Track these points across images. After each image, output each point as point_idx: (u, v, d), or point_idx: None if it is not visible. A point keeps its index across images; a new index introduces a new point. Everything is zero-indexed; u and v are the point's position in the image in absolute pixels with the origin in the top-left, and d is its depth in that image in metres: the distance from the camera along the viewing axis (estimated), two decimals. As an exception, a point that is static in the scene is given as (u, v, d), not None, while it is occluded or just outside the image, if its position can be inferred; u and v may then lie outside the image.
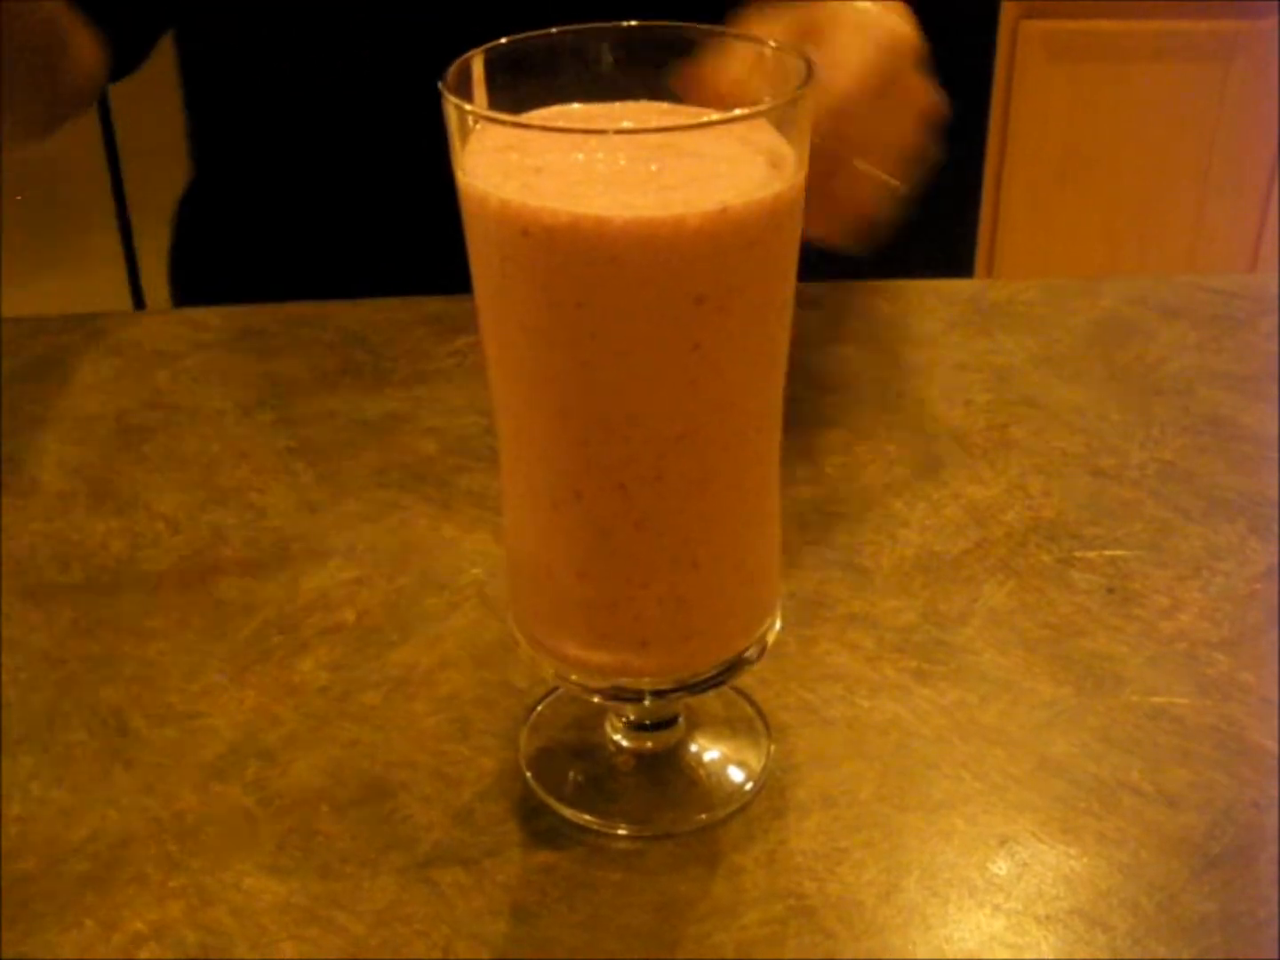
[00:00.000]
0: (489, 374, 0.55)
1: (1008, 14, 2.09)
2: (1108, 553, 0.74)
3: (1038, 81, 2.10)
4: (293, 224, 1.10)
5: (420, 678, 0.68)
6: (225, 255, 1.16)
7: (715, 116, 0.48)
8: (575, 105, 0.54)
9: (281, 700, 0.67)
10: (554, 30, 0.53)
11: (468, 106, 0.50)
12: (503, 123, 0.49)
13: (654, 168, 0.48)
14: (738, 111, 0.48)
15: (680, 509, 0.53)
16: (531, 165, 0.48)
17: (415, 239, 0.97)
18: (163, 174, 1.20)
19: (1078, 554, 0.74)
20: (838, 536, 0.75)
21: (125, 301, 2.36)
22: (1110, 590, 0.72)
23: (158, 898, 0.57)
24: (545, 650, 0.59)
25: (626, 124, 0.51)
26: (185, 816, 0.61)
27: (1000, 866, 0.57)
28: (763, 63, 0.53)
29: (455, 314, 0.94)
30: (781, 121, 0.50)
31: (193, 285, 1.21)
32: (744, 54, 0.54)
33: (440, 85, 0.50)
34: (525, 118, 0.52)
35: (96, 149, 2.25)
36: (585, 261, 0.47)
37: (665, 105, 0.54)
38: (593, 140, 0.49)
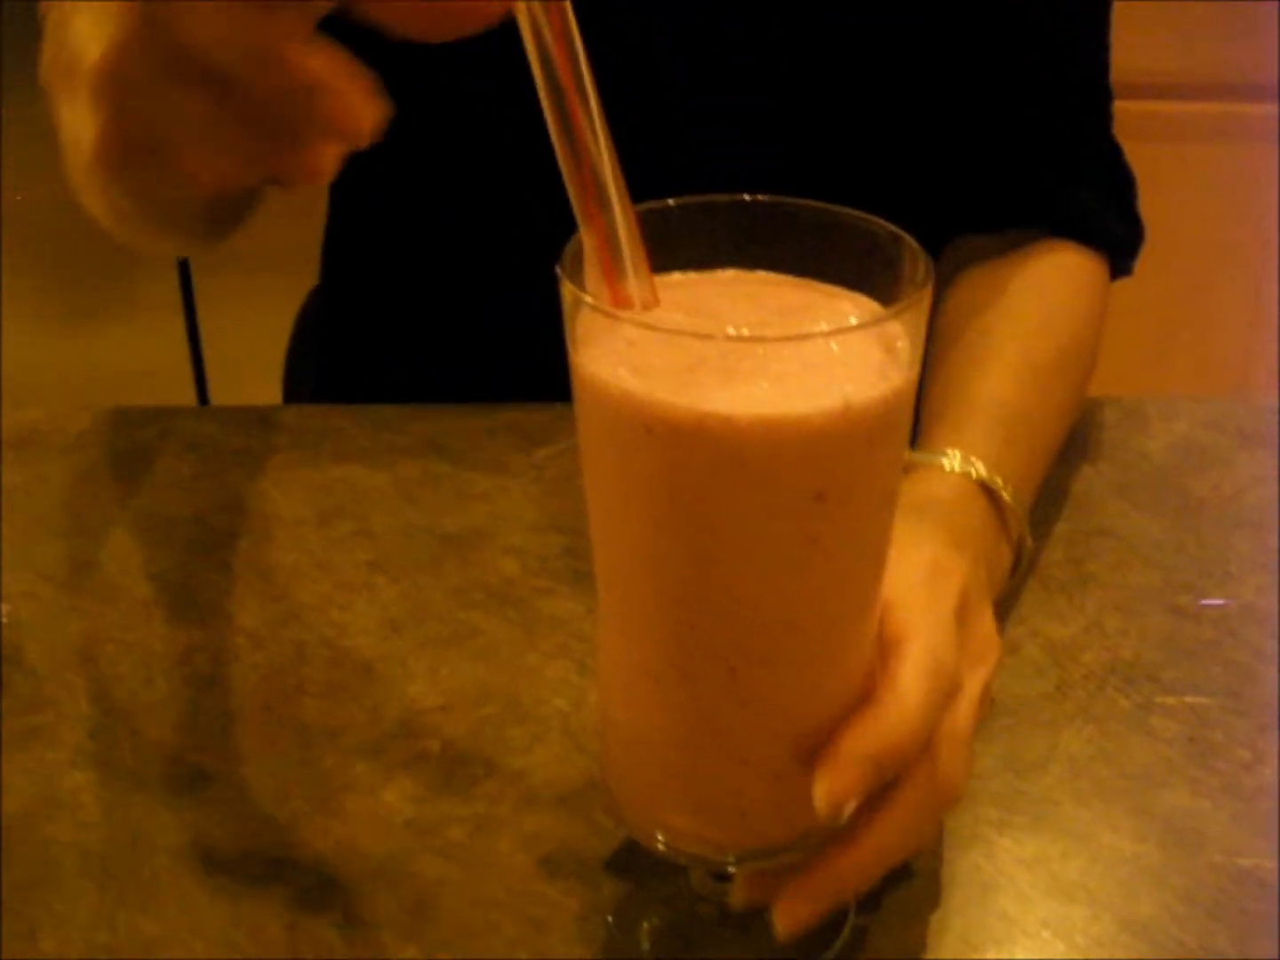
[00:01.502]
0: (595, 549, 0.56)
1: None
2: (1187, 699, 0.74)
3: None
4: (410, 334, 1.12)
5: (505, 814, 0.68)
6: (342, 358, 1.18)
7: (830, 327, 0.49)
8: (692, 275, 0.55)
9: (367, 832, 0.67)
10: (671, 202, 0.54)
11: (587, 299, 0.50)
12: (615, 317, 0.50)
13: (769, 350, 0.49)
14: (853, 320, 0.49)
15: (785, 689, 0.54)
16: (647, 352, 0.49)
17: (509, 347, 0.99)
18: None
19: (1157, 699, 0.75)
20: (917, 674, 0.76)
21: (183, 351, 2.37)
22: (1191, 740, 0.72)
23: (249, 1045, 0.58)
24: (637, 812, 0.59)
25: (743, 330, 0.51)
26: (272, 949, 0.62)
27: (1087, 1039, 0.58)
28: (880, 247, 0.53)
29: (533, 424, 0.95)
30: (900, 310, 0.51)
31: (305, 382, 1.24)
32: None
33: (557, 269, 0.51)
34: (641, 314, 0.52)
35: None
36: (709, 459, 0.48)
37: (782, 278, 0.54)
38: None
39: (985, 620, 0.67)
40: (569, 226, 0.51)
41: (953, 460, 0.76)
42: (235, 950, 0.62)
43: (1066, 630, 0.79)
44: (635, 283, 0.51)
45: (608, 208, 0.50)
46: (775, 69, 0.96)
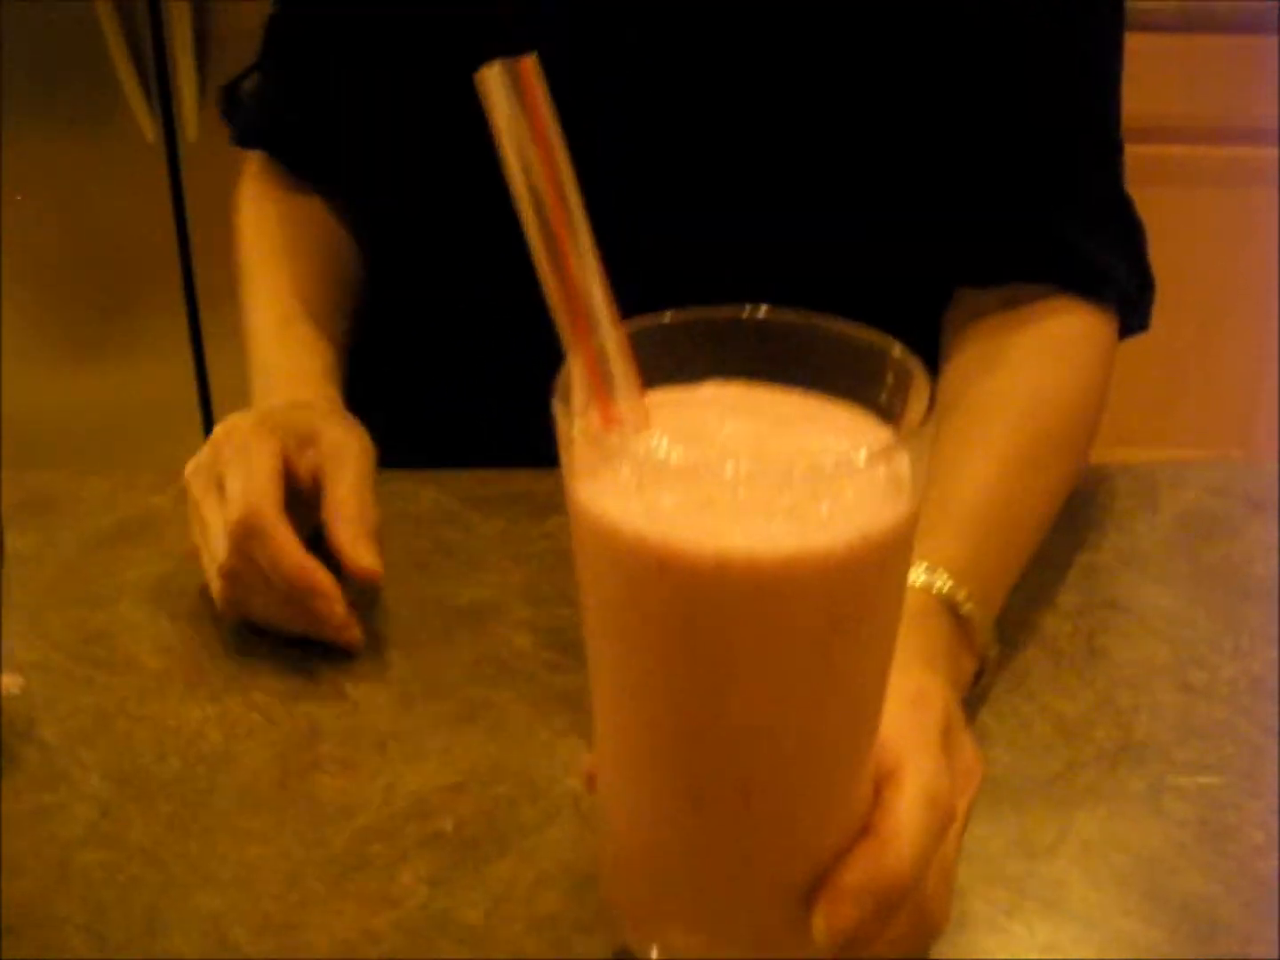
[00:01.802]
0: (594, 675, 0.55)
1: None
2: (1200, 780, 0.75)
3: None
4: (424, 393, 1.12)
5: (520, 895, 0.68)
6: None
7: (839, 459, 0.49)
8: (674, 392, 0.54)
9: (381, 914, 0.67)
10: (666, 316, 0.53)
11: (591, 431, 0.50)
12: (622, 452, 0.50)
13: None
14: (862, 454, 0.48)
15: (800, 809, 0.54)
16: (658, 488, 0.48)
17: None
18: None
19: (1169, 780, 0.75)
20: (929, 752, 0.76)
21: (190, 387, 2.37)
22: (1203, 823, 0.72)
23: None
24: (635, 923, 0.59)
25: (746, 454, 0.51)
26: (286, 1040, 0.62)
27: None
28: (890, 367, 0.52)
29: (544, 492, 0.95)
30: (909, 438, 0.50)
31: None
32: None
33: (553, 401, 0.50)
34: (647, 437, 0.52)
35: (168, 232, 2.27)
36: (728, 595, 0.47)
37: (767, 390, 0.54)
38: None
39: (966, 745, 0.67)
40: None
41: (918, 572, 0.75)
42: (250, 1038, 0.62)
43: (1076, 707, 0.79)
44: (626, 403, 0.51)
45: (598, 330, 0.50)
46: (772, 146, 0.96)
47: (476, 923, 0.67)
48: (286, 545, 0.80)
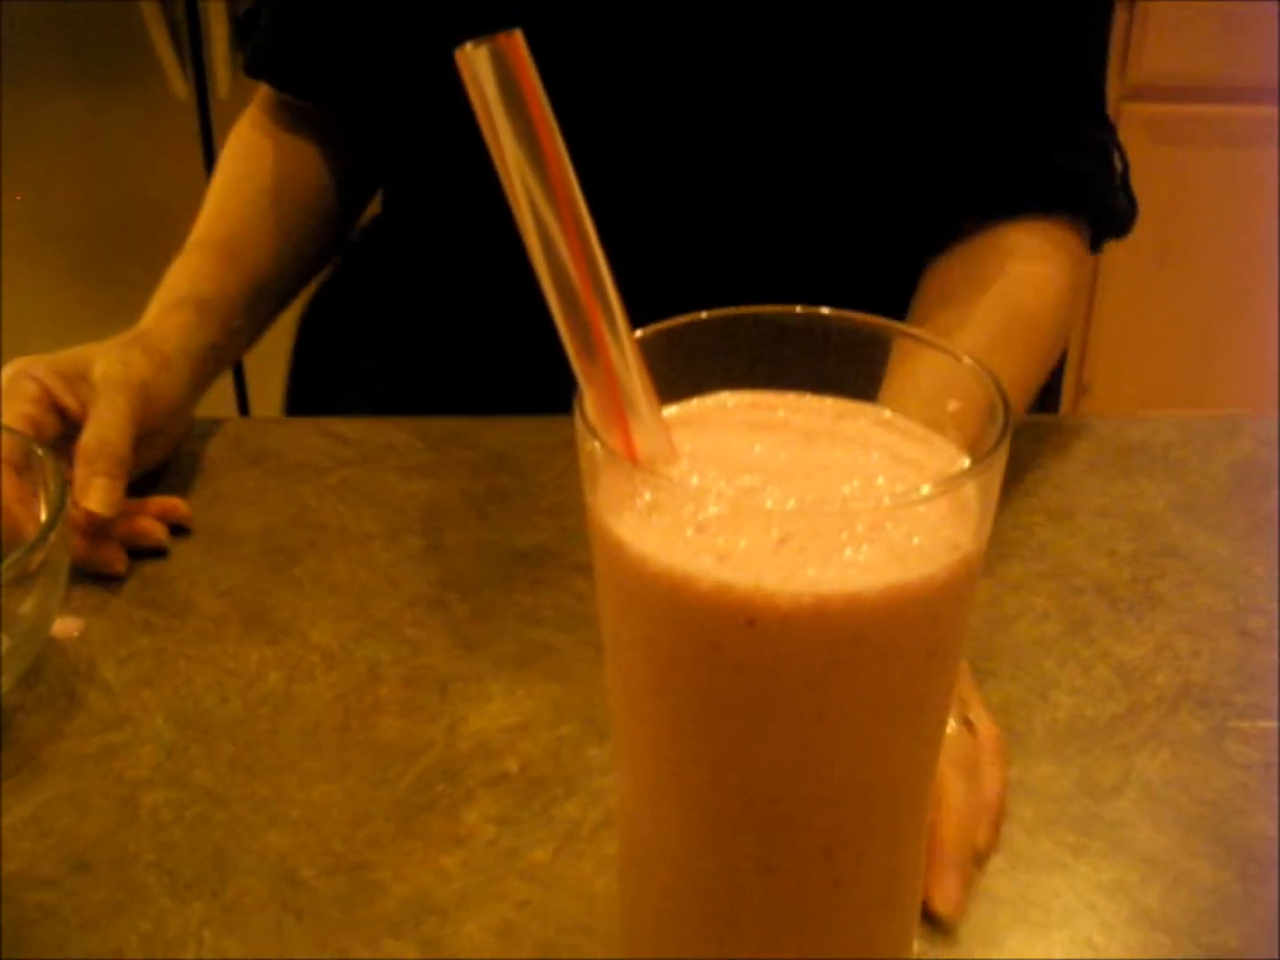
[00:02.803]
0: (632, 740, 0.50)
1: (1110, 97, 2.08)
2: (1262, 724, 0.75)
3: (1139, 164, 2.09)
4: (424, 333, 1.12)
5: (587, 834, 0.68)
6: (348, 363, 1.18)
7: (906, 495, 0.45)
8: (678, 408, 0.50)
9: (449, 853, 0.68)
10: (704, 315, 0.50)
11: (639, 476, 0.45)
12: (687, 493, 0.45)
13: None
14: (924, 490, 0.45)
15: (882, 858, 0.51)
16: (726, 532, 0.43)
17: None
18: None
19: (1231, 724, 0.75)
20: (991, 696, 0.76)
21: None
22: (1268, 766, 0.72)
23: (345, 1071, 0.58)
24: None
25: (828, 496, 0.46)
26: (359, 975, 0.62)
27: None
28: (959, 377, 0.49)
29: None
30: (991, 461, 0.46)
31: (308, 389, 1.23)
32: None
33: (578, 421, 0.45)
34: (691, 471, 0.46)
35: (200, 191, 2.26)
36: (825, 642, 0.43)
37: (825, 400, 0.50)
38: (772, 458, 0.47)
39: (983, 717, 0.71)
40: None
41: None
42: (323, 972, 0.62)
43: (1136, 652, 0.79)
44: (651, 435, 0.46)
45: (618, 348, 0.45)
46: (761, 82, 0.96)
47: (545, 860, 0.67)
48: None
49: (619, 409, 0.45)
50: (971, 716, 0.69)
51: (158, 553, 0.88)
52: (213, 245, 1.05)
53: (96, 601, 0.84)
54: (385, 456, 0.96)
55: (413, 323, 1.15)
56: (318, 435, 0.99)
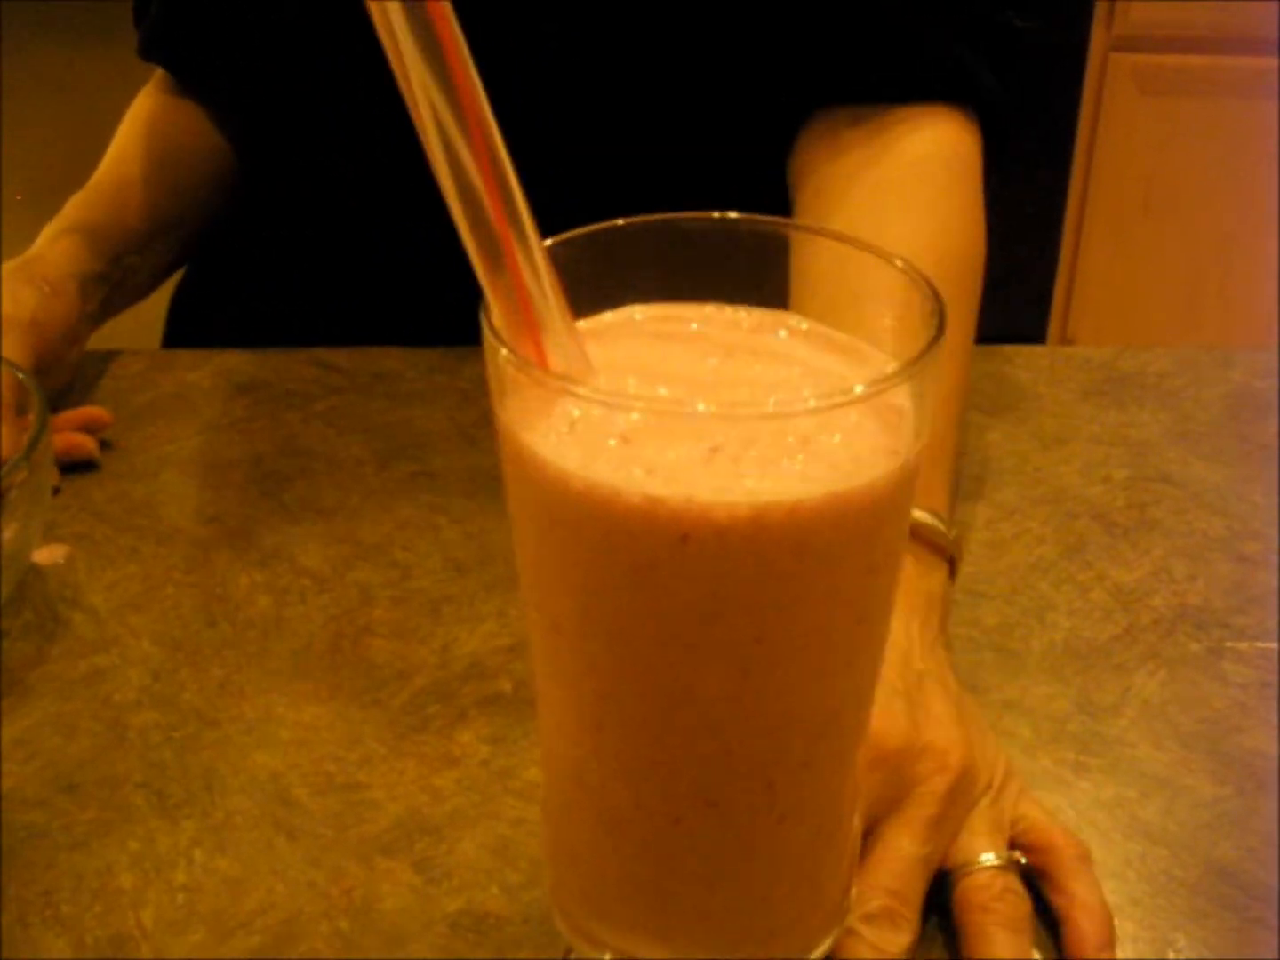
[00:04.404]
0: (553, 678, 0.47)
1: (1097, 47, 2.08)
2: (1259, 644, 0.74)
3: (1126, 114, 2.10)
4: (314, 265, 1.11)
5: (580, 755, 0.68)
6: (235, 294, 1.17)
7: (838, 397, 0.41)
8: (587, 321, 0.46)
9: (442, 772, 0.67)
10: (620, 222, 0.47)
11: (556, 384, 0.42)
12: (614, 403, 0.41)
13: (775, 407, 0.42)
14: (858, 389, 0.41)
15: (822, 791, 0.48)
16: (653, 444, 0.40)
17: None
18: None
19: (1228, 644, 0.74)
20: (987, 618, 0.75)
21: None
22: (1265, 685, 0.72)
23: (340, 983, 0.58)
24: (596, 935, 0.51)
25: (762, 406, 0.42)
26: (354, 893, 0.62)
27: (1180, 980, 0.58)
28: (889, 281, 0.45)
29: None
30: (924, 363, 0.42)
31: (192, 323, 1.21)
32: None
33: (486, 331, 0.42)
34: (615, 381, 0.43)
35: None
36: (764, 557, 0.40)
37: (739, 311, 0.47)
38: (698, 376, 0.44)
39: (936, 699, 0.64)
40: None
41: None
42: (316, 890, 0.62)
43: (1133, 575, 0.79)
44: (564, 346, 0.43)
45: (526, 255, 0.41)
46: None
47: (539, 779, 0.66)
48: None
49: (530, 319, 0.42)
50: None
51: (89, 465, 0.88)
52: (109, 183, 1.05)
53: (82, 529, 0.83)
54: (373, 385, 0.95)
55: (302, 272, 1.13)
56: (308, 364, 0.98)
